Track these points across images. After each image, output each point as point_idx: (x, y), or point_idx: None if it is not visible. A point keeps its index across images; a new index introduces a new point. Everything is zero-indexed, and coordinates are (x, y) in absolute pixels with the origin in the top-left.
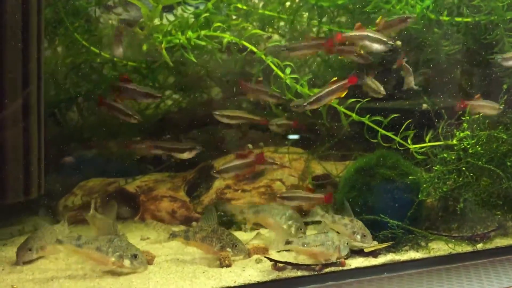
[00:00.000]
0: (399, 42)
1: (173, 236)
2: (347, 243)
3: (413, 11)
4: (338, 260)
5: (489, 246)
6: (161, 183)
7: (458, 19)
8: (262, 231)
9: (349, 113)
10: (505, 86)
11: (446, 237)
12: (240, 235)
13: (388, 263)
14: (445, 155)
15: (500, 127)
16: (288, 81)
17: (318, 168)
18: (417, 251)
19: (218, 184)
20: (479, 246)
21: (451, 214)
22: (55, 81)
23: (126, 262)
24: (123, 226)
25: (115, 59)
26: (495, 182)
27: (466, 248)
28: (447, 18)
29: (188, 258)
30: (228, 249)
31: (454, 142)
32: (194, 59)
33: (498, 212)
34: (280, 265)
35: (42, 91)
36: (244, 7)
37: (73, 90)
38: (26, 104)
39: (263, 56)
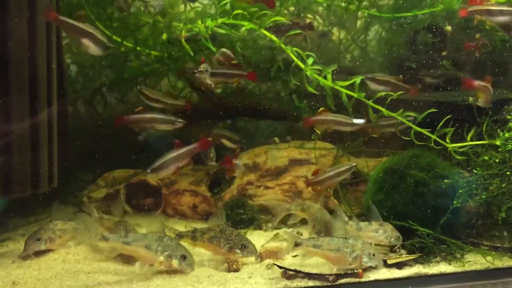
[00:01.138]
0: (449, 28)
1: (179, 236)
2: (373, 254)
3: None
4: (355, 270)
5: None
6: (184, 176)
7: None
8: (283, 232)
9: (378, 107)
10: None
11: (487, 247)
12: (260, 234)
13: (413, 276)
14: (486, 158)
15: None
16: (309, 73)
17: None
18: (450, 264)
19: (239, 180)
20: None
21: (494, 223)
22: (81, 71)
23: (175, 262)
24: (144, 220)
25: (137, 48)
26: None
27: (508, 262)
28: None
29: (196, 260)
30: (237, 250)
31: (497, 143)
32: (213, 49)
33: None
34: (291, 273)
35: (54, 86)
36: None
37: (99, 80)
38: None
39: (282, 45)
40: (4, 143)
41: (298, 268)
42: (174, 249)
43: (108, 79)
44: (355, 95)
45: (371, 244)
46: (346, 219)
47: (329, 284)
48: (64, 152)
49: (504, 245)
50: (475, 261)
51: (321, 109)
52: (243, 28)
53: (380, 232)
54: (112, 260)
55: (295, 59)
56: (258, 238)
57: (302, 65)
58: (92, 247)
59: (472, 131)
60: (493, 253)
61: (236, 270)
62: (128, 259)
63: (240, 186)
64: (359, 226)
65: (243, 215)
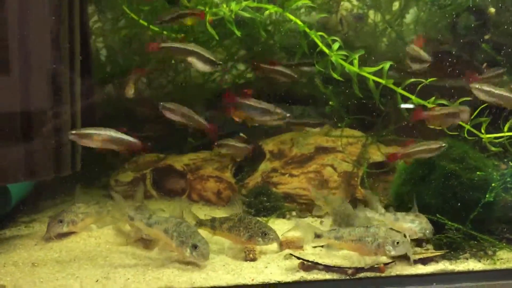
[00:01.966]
0: (493, 9)
1: (199, 224)
2: (397, 242)
3: None
4: (376, 265)
5: None
6: (209, 162)
7: None
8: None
9: (407, 94)
10: None
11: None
12: (283, 223)
13: (438, 273)
14: None
15: None
16: (333, 58)
17: (377, 154)
18: (479, 261)
19: (264, 166)
20: None
21: None
22: (110, 55)
23: (186, 251)
24: (168, 204)
25: (164, 32)
26: None
27: None
28: None
29: (215, 248)
30: (258, 238)
31: None
32: (237, 32)
33: None
34: (308, 264)
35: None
36: None
37: (126, 64)
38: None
39: (307, 29)
40: (27, 127)
41: (322, 260)
42: (188, 237)
43: (136, 63)
44: (383, 81)
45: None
46: (383, 210)
47: (348, 277)
48: None
49: None
50: (508, 259)
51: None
52: (267, 12)
53: (416, 223)
54: (132, 245)
55: (319, 44)
56: (280, 227)
57: (327, 50)
58: (115, 229)
59: (510, 121)
60: None
61: (253, 260)
62: (147, 244)
63: (264, 173)
64: (396, 216)
65: (266, 203)
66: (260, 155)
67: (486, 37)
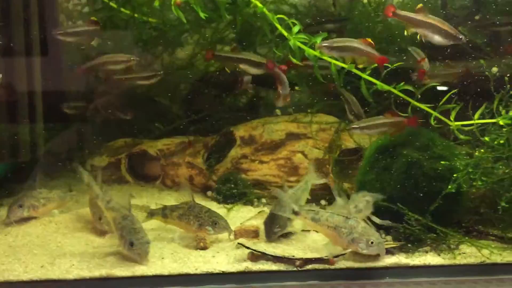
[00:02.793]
0: None
1: (151, 214)
2: (372, 242)
3: None
4: (325, 257)
5: None
6: (183, 147)
7: None
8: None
9: (372, 79)
10: None
11: (494, 238)
12: (249, 210)
13: (391, 266)
14: (487, 139)
15: None
16: (291, 42)
17: (350, 141)
18: (439, 255)
19: (234, 153)
20: None
21: (497, 212)
22: None
23: (124, 247)
24: (141, 190)
25: (135, 15)
26: None
27: (509, 257)
28: None
29: (169, 236)
30: (208, 227)
31: (501, 122)
32: (202, 15)
33: None
34: (257, 254)
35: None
36: None
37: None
38: None
39: (266, 11)
40: None
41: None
42: (128, 233)
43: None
44: (346, 66)
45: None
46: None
47: (295, 269)
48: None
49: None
50: (471, 254)
51: None
52: None
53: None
54: (89, 231)
55: (279, 27)
56: (246, 215)
57: (286, 34)
58: (74, 216)
59: (482, 108)
60: (493, 245)
61: (204, 248)
62: (103, 232)
63: (234, 160)
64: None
65: (234, 190)
66: (231, 141)
67: (477, 17)
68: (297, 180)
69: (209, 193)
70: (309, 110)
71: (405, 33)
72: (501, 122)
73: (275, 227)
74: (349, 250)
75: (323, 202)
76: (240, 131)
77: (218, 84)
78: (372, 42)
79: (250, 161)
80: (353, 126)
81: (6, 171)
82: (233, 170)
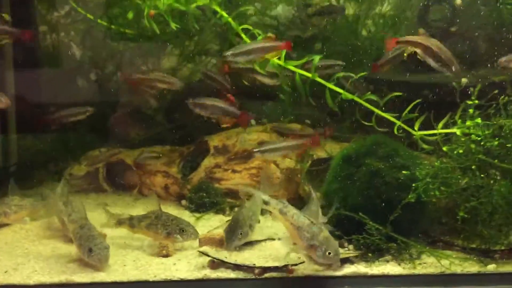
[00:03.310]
0: (459, 1)
1: (119, 222)
2: (329, 253)
3: None
4: (286, 266)
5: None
6: (160, 157)
7: None
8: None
9: (337, 89)
10: None
11: (458, 248)
12: (220, 219)
13: (350, 275)
14: (445, 149)
15: None
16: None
17: (322, 151)
18: (399, 264)
19: (207, 162)
20: (490, 267)
21: (460, 222)
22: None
23: (84, 254)
24: (117, 198)
25: (112, 26)
26: None
27: (470, 267)
28: None
29: (135, 243)
30: (176, 235)
31: (458, 132)
32: (173, 25)
33: None
34: (218, 262)
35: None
36: None
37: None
38: None
39: (231, 21)
40: None
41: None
42: (85, 240)
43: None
44: (310, 75)
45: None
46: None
47: (255, 277)
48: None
49: (478, 247)
50: (431, 264)
51: None
52: (193, 4)
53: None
54: (57, 239)
55: (244, 36)
56: (216, 223)
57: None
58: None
59: (446, 118)
60: (454, 256)
61: (166, 256)
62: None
63: (208, 169)
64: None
65: (206, 199)
66: (206, 151)
67: (453, 29)
68: None
69: (183, 202)
70: (281, 120)
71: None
72: (458, 132)
73: (236, 235)
74: (302, 262)
75: None
76: (214, 141)
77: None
78: (272, 35)
79: (223, 170)
80: (254, 151)
81: None
82: (207, 179)
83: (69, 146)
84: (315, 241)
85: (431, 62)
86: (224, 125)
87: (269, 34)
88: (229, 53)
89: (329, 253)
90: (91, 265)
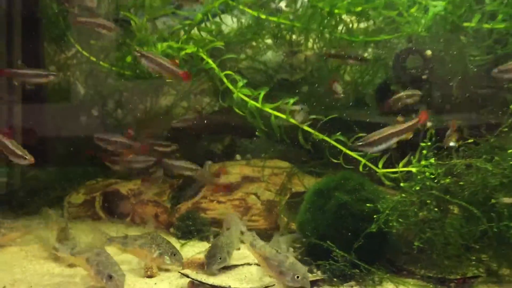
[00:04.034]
0: (429, 52)
1: (110, 241)
2: (298, 277)
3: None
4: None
5: None
6: (151, 187)
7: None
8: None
9: (309, 129)
10: None
11: (406, 274)
12: (203, 245)
13: None
14: (402, 185)
15: (484, 156)
16: (235, 95)
17: (299, 184)
18: None
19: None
20: None
21: (419, 252)
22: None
23: (103, 280)
24: (111, 225)
25: (113, 68)
26: (472, 221)
27: None
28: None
29: (124, 268)
30: (166, 257)
31: (414, 170)
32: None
33: (484, 256)
34: (197, 283)
35: None
36: None
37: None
38: None
39: (216, 68)
40: None
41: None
42: (105, 267)
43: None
44: (284, 116)
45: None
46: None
47: None
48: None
49: (435, 276)
50: None
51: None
52: (183, 52)
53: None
54: (53, 260)
55: (226, 81)
56: (200, 249)
57: (231, 87)
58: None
59: (406, 158)
60: (412, 283)
61: (151, 276)
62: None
63: (195, 199)
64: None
65: (192, 227)
66: (194, 183)
67: (424, 77)
68: (249, 219)
69: (171, 229)
70: (262, 155)
71: None
72: (414, 170)
73: (216, 260)
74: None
75: None
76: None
77: (193, 130)
78: (176, 62)
79: (209, 201)
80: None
81: None
82: (194, 209)
83: (69, 177)
84: (282, 267)
85: None
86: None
87: (176, 60)
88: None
89: (297, 277)
90: None
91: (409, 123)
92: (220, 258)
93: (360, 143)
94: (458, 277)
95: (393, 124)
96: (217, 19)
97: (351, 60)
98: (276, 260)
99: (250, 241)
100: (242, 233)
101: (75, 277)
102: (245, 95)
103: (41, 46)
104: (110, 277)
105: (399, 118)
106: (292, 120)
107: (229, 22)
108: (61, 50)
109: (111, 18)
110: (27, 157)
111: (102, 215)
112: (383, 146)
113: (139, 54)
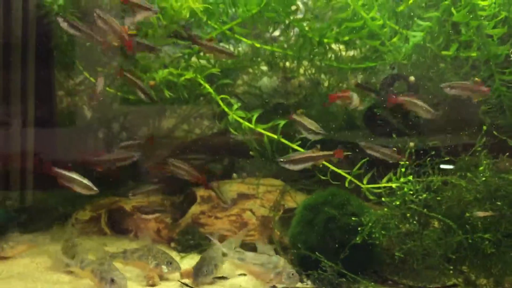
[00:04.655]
0: (412, 78)
1: (112, 256)
2: (292, 274)
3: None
4: None
5: None
6: (154, 204)
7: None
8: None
9: (298, 148)
10: None
11: (391, 284)
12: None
13: None
14: (384, 199)
15: (459, 173)
16: (230, 117)
17: (291, 201)
18: None
19: (194, 209)
20: None
21: (402, 263)
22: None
23: (106, 285)
24: (116, 240)
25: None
26: (449, 233)
27: None
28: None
29: (127, 275)
30: (163, 266)
31: (394, 186)
32: (167, 94)
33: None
34: None
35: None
36: None
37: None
38: None
39: (212, 91)
40: None
41: None
42: (107, 273)
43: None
44: (276, 137)
45: None
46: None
47: None
48: None
49: (416, 285)
50: None
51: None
52: (182, 78)
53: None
54: (62, 271)
55: (221, 104)
56: (195, 261)
57: (227, 109)
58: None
59: (389, 175)
60: None
61: (153, 285)
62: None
63: (194, 215)
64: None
65: (191, 241)
66: (193, 200)
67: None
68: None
69: (172, 244)
70: (257, 174)
71: None
72: (394, 186)
73: (202, 273)
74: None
75: None
76: (200, 191)
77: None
78: (125, 28)
79: (207, 216)
80: None
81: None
82: (193, 225)
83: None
84: (278, 268)
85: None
86: None
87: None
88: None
89: (293, 274)
90: None
91: (325, 153)
92: (206, 271)
93: (282, 160)
94: (438, 286)
95: (314, 150)
96: None
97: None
98: (271, 263)
99: (238, 257)
100: (224, 255)
101: (85, 285)
102: (240, 117)
103: (53, 73)
104: (112, 280)
105: (317, 146)
106: (283, 140)
107: None
108: (70, 77)
109: None
110: (94, 188)
111: (107, 231)
112: (301, 166)
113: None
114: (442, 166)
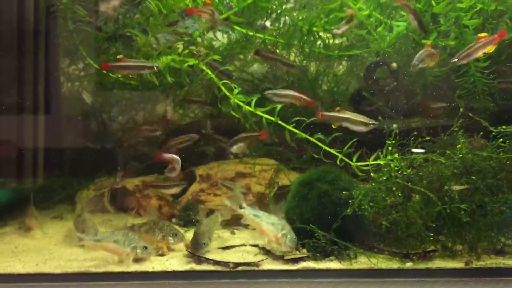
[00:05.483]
0: (395, 64)
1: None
2: (295, 238)
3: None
4: (253, 262)
5: (422, 266)
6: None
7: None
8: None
9: (295, 130)
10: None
11: (387, 253)
12: None
13: (302, 269)
14: (373, 175)
15: (439, 151)
16: (232, 101)
17: (285, 179)
18: (340, 263)
19: (194, 187)
20: (408, 265)
21: (387, 232)
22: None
23: (138, 253)
24: (119, 218)
25: (120, 78)
26: (429, 205)
27: (393, 265)
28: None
29: None
30: (169, 238)
31: (382, 163)
32: (169, 79)
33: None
34: (201, 259)
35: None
36: None
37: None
38: None
39: (214, 78)
40: None
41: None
42: (137, 242)
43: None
44: (273, 119)
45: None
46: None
47: (229, 270)
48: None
49: (400, 251)
50: (364, 262)
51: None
52: (185, 64)
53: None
54: (73, 244)
55: (223, 89)
56: None
57: (228, 94)
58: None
59: (376, 153)
60: (381, 257)
61: (162, 255)
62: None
63: (194, 193)
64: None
65: (192, 216)
66: (193, 178)
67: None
68: None
69: (173, 220)
70: (253, 154)
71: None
72: (382, 163)
73: (201, 245)
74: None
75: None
76: (200, 171)
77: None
78: None
79: (206, 194)
80: None
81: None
82: (193, 201)
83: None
84: (285, 230)
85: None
86: None
87: None
88: None
89: (295, 238)
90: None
91: (254, 134)
92: (204, 244)
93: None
94: (419, 251)
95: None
96: (210, 35)
97: None
98: (280, 224)
99: (253, 213)
100: (241, 207)
101: (98, 257)
102: (240, 101)
103: (57, 59)
104: (145, 248)
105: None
106: (280, 122)
107: (220, 38)
108: (73, 63)
109: None
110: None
111: (110, 208)
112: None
113: None
114: (413, 150)
